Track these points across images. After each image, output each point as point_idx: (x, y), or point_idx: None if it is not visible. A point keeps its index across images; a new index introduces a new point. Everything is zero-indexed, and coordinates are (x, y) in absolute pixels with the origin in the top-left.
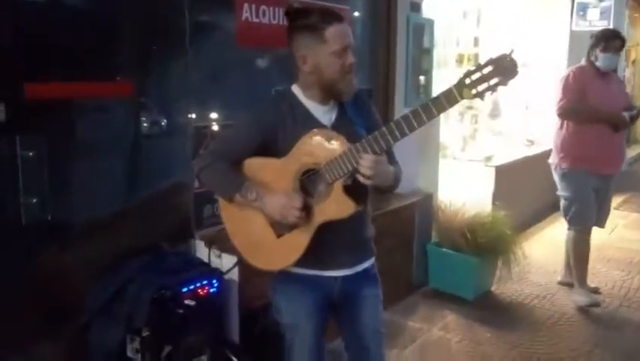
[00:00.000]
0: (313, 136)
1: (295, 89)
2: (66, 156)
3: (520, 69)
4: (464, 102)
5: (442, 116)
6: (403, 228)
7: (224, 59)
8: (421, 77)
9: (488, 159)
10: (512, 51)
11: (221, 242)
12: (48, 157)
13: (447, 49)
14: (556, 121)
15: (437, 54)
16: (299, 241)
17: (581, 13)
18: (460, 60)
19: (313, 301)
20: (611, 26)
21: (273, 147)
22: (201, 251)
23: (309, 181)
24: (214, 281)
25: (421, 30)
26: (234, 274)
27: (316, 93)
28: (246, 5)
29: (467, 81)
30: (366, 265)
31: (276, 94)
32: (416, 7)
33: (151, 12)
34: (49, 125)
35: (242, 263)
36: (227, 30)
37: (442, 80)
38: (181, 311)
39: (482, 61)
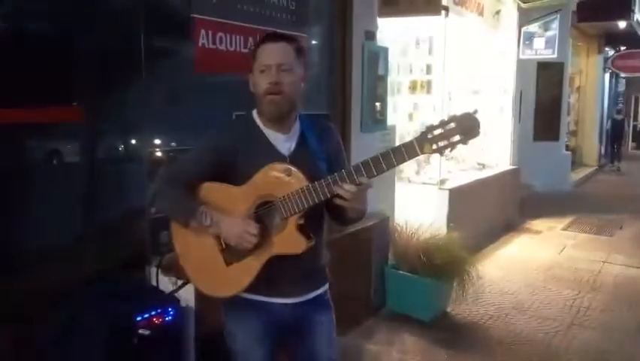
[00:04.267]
0: (272, 169)
1: (255, 114)
2: (15, 182)
3: (479, 129)
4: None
5: (398, 140)
6: (361, 251)
7: (181, 84)
8: (377, 104)
9: (442, 182)
10: (476, 111)
11: (178, 269)
12: None
13: (401, 76)
14: None
15: (391, 81)
16: (248, 270)
17: (527, 42)
18: (413, 87)
19: (263, 327)
20: (555, 55)
21: (230, 172)
22: (158, 279)
23: (265, 213)
24: (170, 309)
25: (376, 58)
26: (190, 302)
27: (266, 119)
28: (202, 32)
29: (429, 136)
30: (318, 292)
31: (238, 119)
32: (370, 36)
33: (105, 36)
34: None
35: (197, 290)
36: (184, 56)
37: (396, 106)
38: (135, 341)
39: (445, 117)
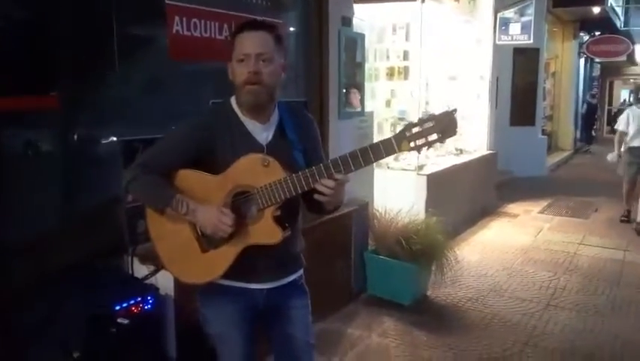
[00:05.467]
0: (250, 159)
1: (233, 102)
2: None
3: (457, 128)
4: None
5: (376, 127)
6: (340, 237)
7: (155, 72)
8: (354, 90)
9: (420, 167)
10: (454, 110)
11: (156, 257)
12: None
13: (378, 62)
14: None
15: (368, 67)
16: (223, 258)
17: (503, 28)
18: (390, 73)
19: (239, 312)
20: (531, 41)
21: (208, 159)
22: (135, 267)
23: (241, 202)
24: (149, 298)
25: (353, 44)
26: (170, 290)
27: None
28: (177, 18)
29: (407, 134)
30: (293, 277)
31: (216, 106)
32: (347, 22)
33: (77, 23)
34: None
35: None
36: (158, 43)
37: (373, 92)
38: (114, 330)
39: (424, 115)
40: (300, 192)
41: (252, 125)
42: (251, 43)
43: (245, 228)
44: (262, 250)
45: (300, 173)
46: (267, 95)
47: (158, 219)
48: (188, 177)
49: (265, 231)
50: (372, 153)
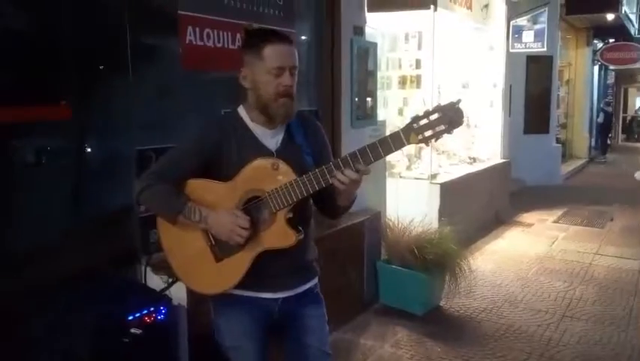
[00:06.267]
0: (259, 164)
1: (241, 110)
2: (4, 181)
3: (464, 117)
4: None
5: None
6: (353, 246)
7: (168, 81)
8: (368, 99)
9: (433, 176)
10: (459, 101)
11: (169, 267)
12: None
13: (390, 71)
14: None
15: (381, 76)
16: (238, 266)
17: (517, 35)
18: (403, 82)
19: (253, 322)
20: (544, 48)
21: (215, 168)
22: (148, 277)
23: (252, 208)
24: (161, 308)
25: (365, 53)
26: (182, 300)
27: (258, 115)
28: (190, 28)
29: (415, 126)
30: (307, 285)
31: (223, 116)
32: (359, 31)
33: (92, 33)
34: None
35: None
36: (171, 53)
37: (385, 101)
38: (127, 340)
39: (430, 107)
40: (317, 188)
41: (260, 132)
42: (287, 56)
43: (258, 233)
44: (276, 258)
45: (310, 173)
46: (295, 107)
47: (170, 231)
48: (198, 186)
49: (279, 234)
50: (382, 147)
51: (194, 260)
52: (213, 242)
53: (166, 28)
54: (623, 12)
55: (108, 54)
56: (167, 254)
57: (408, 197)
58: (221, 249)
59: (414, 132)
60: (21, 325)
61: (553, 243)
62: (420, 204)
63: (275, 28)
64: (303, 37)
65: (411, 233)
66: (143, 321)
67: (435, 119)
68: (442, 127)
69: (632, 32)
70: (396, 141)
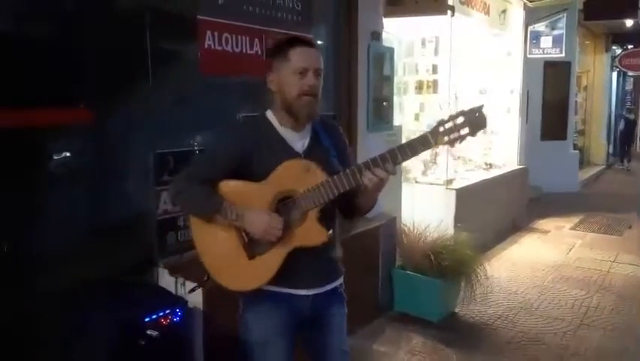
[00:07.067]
0: (291, 165)
1: (269, 114)
2: (23, 186)
3: (485, 117)
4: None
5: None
6: (368, 251)
7: (187, 86)
8: (384, 104)
9: (449, 182)
10: (482, 106)
11: (186, 270)
12: (3, 186)
13: (407, 76)
14: None
15: (397, 81)
16: (270, 263)
17: (535, 41)
18: (419, 87)
19: (284, 318)
20: (563, 54)
21: (246, 170)
22: (165, 280)
23: (283, 207)
24: (177, 310)
25: (382, 58)
26: (198, 303)
27: (286, 117)
28: (208, 33)
29: (441, 129)
30: (335, 283)
31: (251, 119)
32: (376, 36)
33: (112, 39)
34: (4, 152)
35: (205, 291)
36: (190, 57)
37: (402, 106)
38: (143, 343)
39: (454, 111)
40: (342, 191)
41: (288, 135)
42: (312, 58)
43: (289, 231)
44: (306, 256)
45: (340, 173)
46: (318, 107)
47: (204, 230)
48: (231, 187)
49: (311, 232)
50: (410, 149)
51: (227, 258)
52: (247, 240)
53: (185, 33)
54: None
55: (128, 59)
56: (201, 253)
57: (423, 202)
58: (254, 246)
59: (440, 135)
60: (42, 326)
61: (570, 250)
62: (436, 209)
63: (304, 35)
64: (321, 42)
65: (426, 239)
66: (160, 323)
67: (460, 123)
68: (467, 130)
69: None
70: (425, 143)
